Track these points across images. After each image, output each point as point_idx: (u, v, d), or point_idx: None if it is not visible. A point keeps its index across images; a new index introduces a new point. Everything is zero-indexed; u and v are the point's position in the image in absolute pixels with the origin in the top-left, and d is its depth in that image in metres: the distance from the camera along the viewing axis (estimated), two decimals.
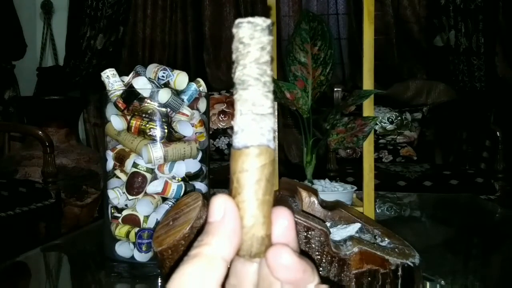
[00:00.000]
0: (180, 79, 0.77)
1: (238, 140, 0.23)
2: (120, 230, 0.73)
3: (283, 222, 0.23)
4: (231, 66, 0.23)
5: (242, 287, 0.23)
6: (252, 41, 0.23)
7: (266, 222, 0.23)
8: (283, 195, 0.47)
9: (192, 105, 0.78)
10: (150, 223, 0.71)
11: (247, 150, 0.22)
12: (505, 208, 1.31)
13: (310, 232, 0.38)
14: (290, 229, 0.23)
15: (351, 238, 0.40)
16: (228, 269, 0.24)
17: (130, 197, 0.72)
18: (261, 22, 0.23)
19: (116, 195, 0.73)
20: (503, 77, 2.53)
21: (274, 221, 0.23)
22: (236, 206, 0.22)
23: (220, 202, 0.22)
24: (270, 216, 0.23)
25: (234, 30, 0.23)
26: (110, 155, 0.76)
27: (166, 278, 0.22)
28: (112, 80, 0.75)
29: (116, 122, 0.74)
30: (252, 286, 0.23)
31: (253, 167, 0.22)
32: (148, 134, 0.72)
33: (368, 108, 0.88)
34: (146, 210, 0.71)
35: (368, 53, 0.85)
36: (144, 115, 0.73)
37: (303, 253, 0.25)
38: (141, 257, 0.71)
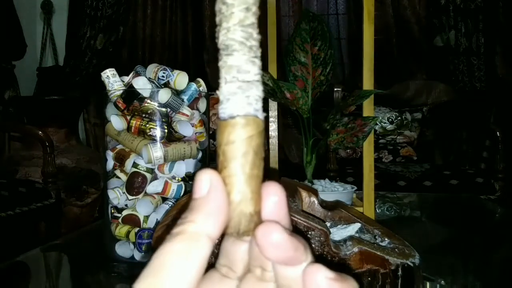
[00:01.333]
0: (180, 79, 0.77)
1: (223, 111, 0.21)
2: (120, 230, 0.73)
3: (273, 198, 0.22)
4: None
5: (233, 267, 0.23)
6: (235, 1, 0.21)
7: (255, 198, 0.21)
8: None
9: (192, 105, 0.78)
10: (150, 223, 0.71)
11: (232, 121, 0.21)
12: (505, 208, 1.31)
13: (310, 232, 0.38)
14: (280, 206, 0.22)
15: (351, 238, 0.40)
16: (218, 249, 0.23)
17: (130, 197, 0.72)
18: None
19: (116, 195, 0.73)
20: (503, 77, 2.53)
21: (264, 197, 0.22)
22: (222, 181, 0.21)
23: (205, 177, 0.21)
24: (259, 191, 0.21)
25: None
26: (110, 155, 0.76)
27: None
28: (112, 80, 0.75)
29: (116, 122, 0.74)
30: (243, 265, 0.22)
31: (240, 138, 0.21)
32: (148, 134, 0.72)
33: (368, 108, 0.87)
34: (146, 210, 0.71)
35: (368, 53, 0.85)
36: (144, 115, 0.73)
37: (297, 231, 0.23)
38: (141, 257, 0.71)
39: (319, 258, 0.38)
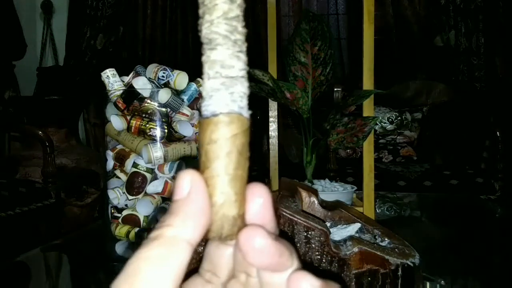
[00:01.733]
0: (180, 79, 0.77)
1: (206, 108, 0.20)
2: (120, 230, 0.73)
3: (258, 200, 0.20)
4: None
5: (216, 272, 0.22)
6: None
7: (239, 200, 0.20)
8: (283, 195, 0.47)
9: (192, 105, 0.78)
10: (150, 223, 0.71)
11: (215, 119, 0.20)
12: (505, 208, 1.31)
13: (310, 232, 0.38)
14: (266, 208, 0.21)
15: (351, 238, 0.40)
16: (202, 253, 0.22)
17: (130, 197, 0.72)
18: None
19: (116, 195, 0.73)
20: (503, 77, 2.53)
21: (248, 199, 0.20)
22: (204, 183, 0.20)
23: (185, 178, 0.20)
24: (243, 193, 0.20)
25: None
26: (110, 155, 0.76)
27: None
28: (112, 80, 0.75)
29: (116, 122, 0.74)
30: (227, 270, 0.21)
31: (223, 137, 0.20)
32: (148, 134, 0.72)
33: (368, 108, 0.87)
34: (146, 210, 0.71)
35: (368, 53, 0.85)
36: (144, 115, 0.73)
37: (283, 235, 0.22)
38: None
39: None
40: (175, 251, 0.18)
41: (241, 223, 0.20)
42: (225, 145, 0.20)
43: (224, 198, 0.20)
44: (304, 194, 0.46)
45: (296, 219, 0.38)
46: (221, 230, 0.20)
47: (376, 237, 0.44)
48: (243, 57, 0.20)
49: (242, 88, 0.20)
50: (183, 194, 0.20)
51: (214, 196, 0.20)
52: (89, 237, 0.97)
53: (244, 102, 0.20)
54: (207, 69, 0.20)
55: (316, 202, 0.47)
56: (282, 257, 0.19)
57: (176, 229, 0.19)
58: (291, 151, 2.67)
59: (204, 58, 0.20)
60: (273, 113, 0.98)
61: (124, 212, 0.73)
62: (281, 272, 0.20)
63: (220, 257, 0.21)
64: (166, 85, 0.77)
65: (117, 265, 0.72)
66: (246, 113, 0.20)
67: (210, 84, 0.20)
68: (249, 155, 0.21)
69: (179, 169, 0.73)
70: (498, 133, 2.00)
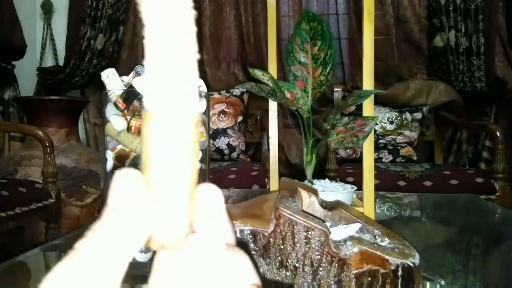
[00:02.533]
0: None
1: (147, 101, 0.18)
2: None
3: (207, 203, 0.18)
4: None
5: (166, 283, 0.19)
6: None
7: (184, 204, 0.17)
8: (283, 195, 0.47)
9: None
10: None
11: (157, 113, 0.17)
12: (505, 208, 1.31)
13: (310, 232, 0.38)
14: (217, 213, 0.18)
15: (351, 238, 0.40)
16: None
17: None
18: None
19: None
20: (503, 77, 2.53)
21: (197, 202, 0.18)
22: (143, 184, 0.17)
23: (121, 179, 0.17)
24: (191, 196, 0.18)
25: None
26: (110, 155, 0.76)
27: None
28: (112, 80, 0.75)
29: (116, 122, 0.74)
30: (179, 279, 0.19)
31: (165, 133, 0.17)
32: None
33: (368, 108, 0.88)
34: None
35: (368, 53, 0.85)
36: None
37: (240, 244, 0.21)
38: (141, 257, 0.71)
39: (320, 259, 0.38)
40: (97, 266, 0.16)
41: (187, 230, 0.18)
42: (167, 142, 0.17)
43: (166, 202, 0.17)
44: (304, 194, 0.46)
45: (296, 219, 0.38)
46: (163, 239, 0.17)
47: (376, 237, 0.44)
48: (192, 44, 0.18)
49: (189, 79, 0.18)
50: (117, 197, 0.17)
51: (155, 200, 0.17)
52: None
53: (192, 97, 0.18)
54: (147, 56, 0.18)
55: (316, 202, 0.47)
56: (234, 269, 0.17)
57: (102, 240, 0.16)
58: (291, 151, 2.67)
59: (144, 42, 0.18)
60: (273, 113, 0.98)
61: None
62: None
63: (169, 265, 0.19)
64: None
65: None
66: (194, 108, 0.18)
67: (152, 73, 0.18)
68: (199, 154, 0.18)
69: None
70: (498, 133, 2.00)
